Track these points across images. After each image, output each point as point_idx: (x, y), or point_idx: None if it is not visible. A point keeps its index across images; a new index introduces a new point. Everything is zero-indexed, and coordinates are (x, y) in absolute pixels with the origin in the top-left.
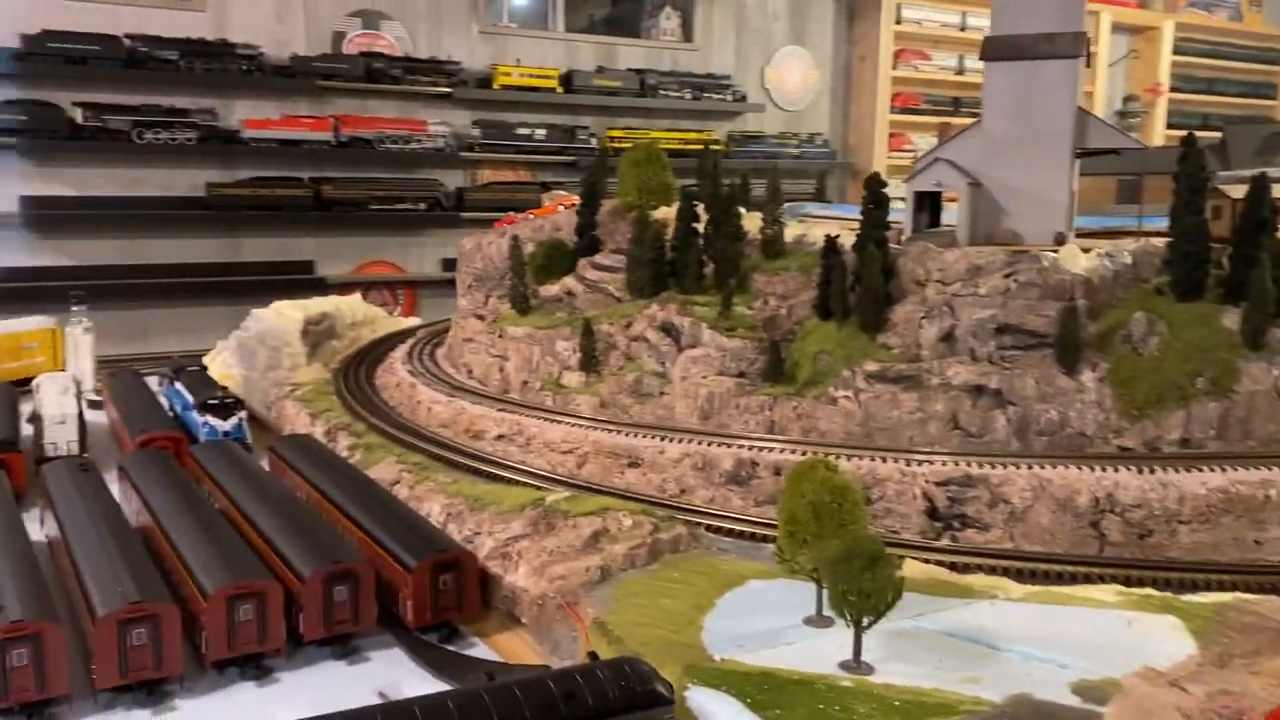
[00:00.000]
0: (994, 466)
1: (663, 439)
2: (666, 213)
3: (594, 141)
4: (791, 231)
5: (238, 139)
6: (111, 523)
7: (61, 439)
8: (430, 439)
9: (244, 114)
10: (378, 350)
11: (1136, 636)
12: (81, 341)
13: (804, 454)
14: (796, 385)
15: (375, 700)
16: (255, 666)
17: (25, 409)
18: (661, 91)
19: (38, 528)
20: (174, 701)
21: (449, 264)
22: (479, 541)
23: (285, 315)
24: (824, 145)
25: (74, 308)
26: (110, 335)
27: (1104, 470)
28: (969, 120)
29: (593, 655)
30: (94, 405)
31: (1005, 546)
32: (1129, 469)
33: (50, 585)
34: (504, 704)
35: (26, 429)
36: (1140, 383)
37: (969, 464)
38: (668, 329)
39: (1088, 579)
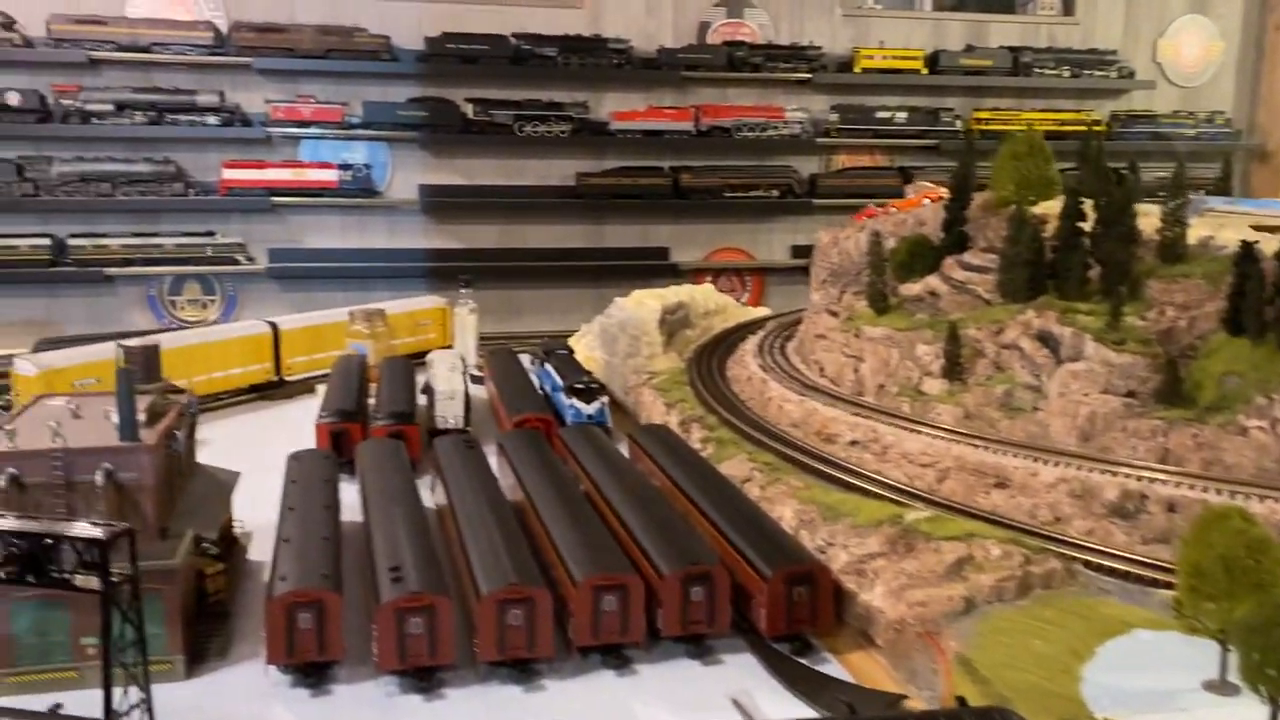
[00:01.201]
0: None
1: (1035, 460)
2: (1047, 209)
3: (958, 124)
4: (1194, 232)
5: (606, 130)
6: (491, 499)
7: (450, 413)
8: (782, 439)
9: (613, 106)
10: (729, 341)
11: None
12: (467, 321)
13: (1205, 490)
14: (1197, 410)
15: (728, 705)
16: (616, 656)
17: (418, 380)
18: (1036, 70)
19: (428, 494)
20: (542, 681)
21: (799, 251)
22: (832, 554)
23: (644, 304)
24: (1226, 125)
25: (461, 290)
26: (489, 312)
27: None
28: None
29: (961, 701)
30: (475, 380)
31: None
32: None
33: (440, 556)
34: None
35: (420, 399)
36: None
37: None
38: (1045, 338)
39: None
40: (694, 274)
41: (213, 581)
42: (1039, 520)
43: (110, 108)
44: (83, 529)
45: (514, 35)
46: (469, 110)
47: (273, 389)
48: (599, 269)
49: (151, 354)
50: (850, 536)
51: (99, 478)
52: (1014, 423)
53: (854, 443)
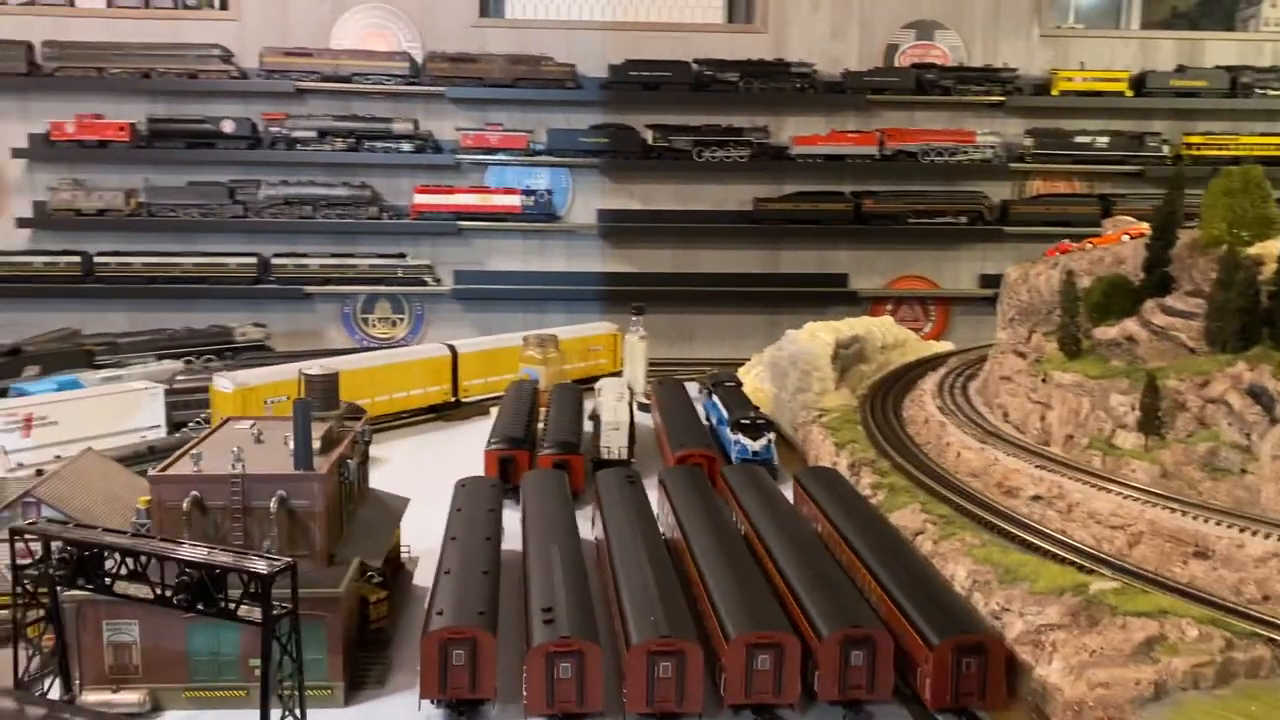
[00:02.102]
0: None
1: (1242, 530)
2: (1264, 250)
3: (1166, 149)
4: None
5: (785, 155)
6: (648, 540)
7: (615, 444)
8: (959, 489)
9: (794, 130)
10: (907, 378)
11: None
12: (636, 348)
13: None
14: None
15: None
16: (768, 715)
17: (587, 406)
18: (1258, 90)
19: (589, 526)
20: None
21: (987, 280)
22: (1007, 620)
23: (817, 338)
24: None
25: (633, 318)
26: (661, 336)
27: None
28: None
29: None
30: (643, 408)
31: None
32: None
33: (594, 596)
34: None
35: (587, 426)
36: None
37: None
38: (1257, 394)
39: None
40: (874, 302)
41: (375, 609)
42: (1244, 598)
43: (313, 134)
44: (249, 562)
45: (696, 61)
46: (649, 136)
47: (450, 410)
48: (774, 295)
49: (330, 382)
50: (1028, 603)
51: (273, 504)
52: (1218, 485)
53: (1037, 498)
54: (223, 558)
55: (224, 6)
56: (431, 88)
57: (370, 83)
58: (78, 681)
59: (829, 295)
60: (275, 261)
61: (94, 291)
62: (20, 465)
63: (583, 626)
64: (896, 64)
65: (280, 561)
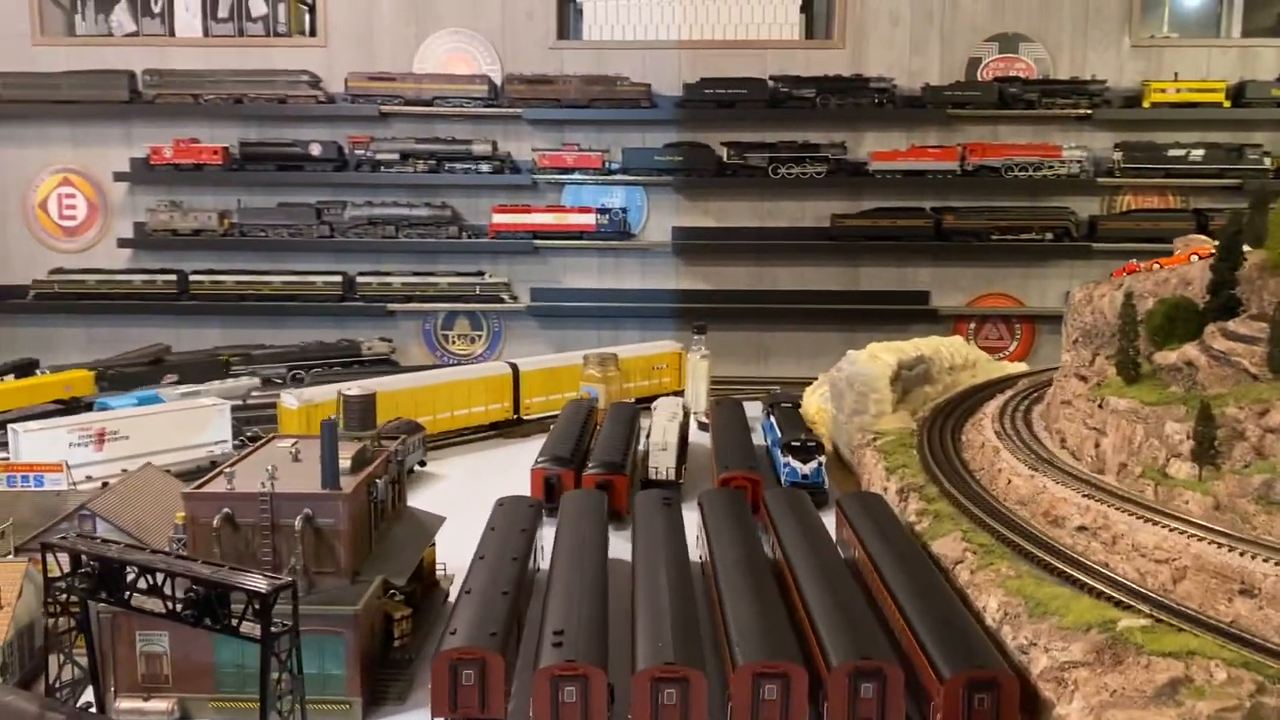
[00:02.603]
0: None
1: None
2: None
3: (1267, 161)
4: None
5: (863, 171)
6: (673, 564)
7: (662, 464)
8: (1002, 517)
9: (873, 145)
10: (972, 400)
11: None
12: (698, 368)
13: None
14: None
15: None
16: None
17: (644, 425)
18: None
19: (627, 547)
20: None
21: None
22: (1033, 655)
23: (877, 359)
24: None
25: (695, 336)
26: (736, 354)
27: None
28: None
29: None
30: (703, 427)
31: None
32: None
33: (608, 620)
34: None
35: (644, 445)
36: None
37: None
38: None
39: None
40: (956, 320)
41: (400, 626)
42: None
43: (396, 157)
44: (250, 581)
45: (771, 77)
46: (724, 154)
47: (511, 426)
48: (853, 313)
49: (368, 403)
50: (1055, 638)
51: (297, 522)
52: (1273, 519)
53: (1082, 528)
54: (228, 576)
55: (313, 33)
56: (509, 109)
57: (451, 105)
58: (112, 689)
59: (910, 313)
60: (360, 280)
61: (189, 309)
62: (89, 478)
63: (591, 650)
64: (979, 78)
65: (280, 580)
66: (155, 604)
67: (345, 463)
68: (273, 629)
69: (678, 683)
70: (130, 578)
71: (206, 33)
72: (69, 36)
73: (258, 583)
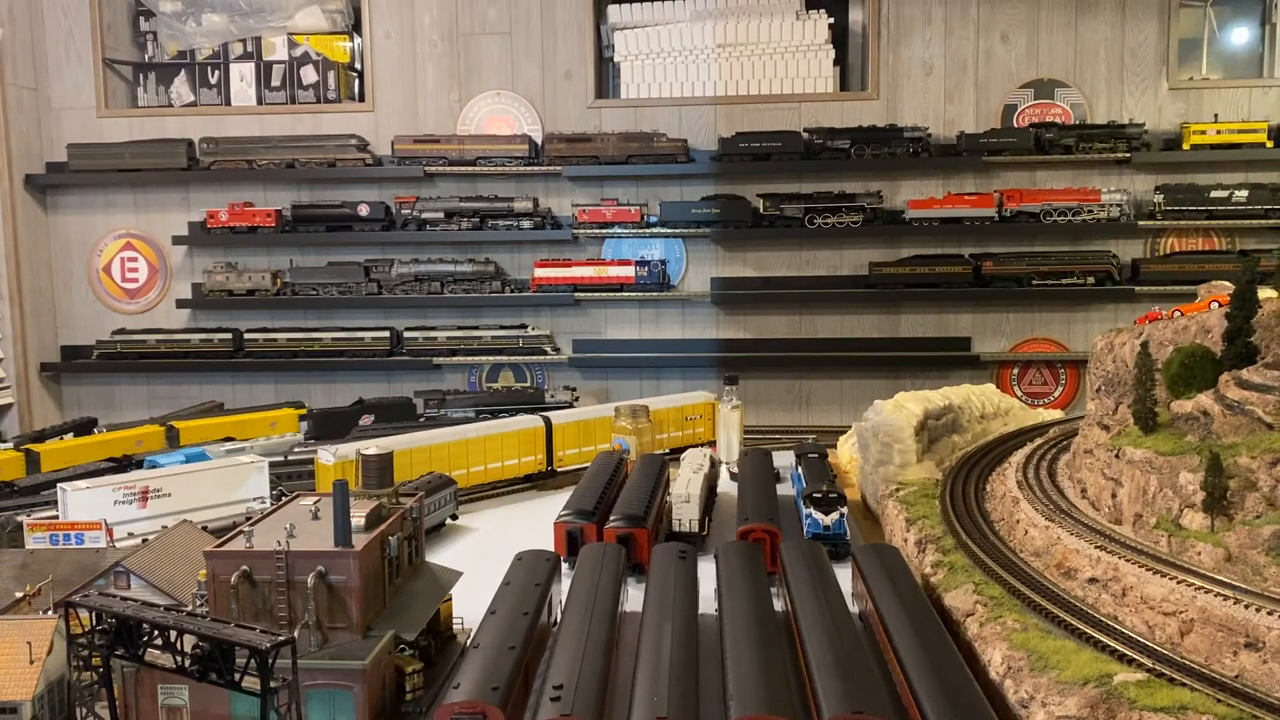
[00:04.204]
0: None
1: None
2: None
3: None
4: None
5: (900, 219)
6: (679, 617)
7: (686, 516)
8: (1014, 569)
9: (909, 193)
10: (1001, 449)
11: None
12: (730, 418)
13: None
14: None
15: None
16: None
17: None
18: None
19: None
20: None
21: None
22: (1031, 710)
23: (903, 408)
24: None
25: (726, 386)
26: (777, 401)
27: None
28: None
29: None
30: (734, 478)
31: None
32: None
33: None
34: None
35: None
36: None
37: None
38: None
39: None
40: (999, 365)
41: (411, 680)
42: None
43: (441, 215)
44: (249, 637)
45: (806, 130)
46: (760, 205)
47: (545, 479)
48: (893, 360)
49: (385, 462)
50: (1052, 693)
51: (310, 579)
52: None
53: (1093, 580)
54: (230, 632)
55: (361, 99)
56: (550, 167)
57: (493, 165)
58: None
59: (951, 359)
60: (407, 335)
61: (243, 365)
62: (130, 535)
63: (588, 704)
64: (1015, 124)
65: (280, 636)
66: (167, 659)
67: (360, 520)
68: (272, 684)
69: None
70: (145, 634)
71: (260, 101)
72: (131, 108)
73: (258, 639)
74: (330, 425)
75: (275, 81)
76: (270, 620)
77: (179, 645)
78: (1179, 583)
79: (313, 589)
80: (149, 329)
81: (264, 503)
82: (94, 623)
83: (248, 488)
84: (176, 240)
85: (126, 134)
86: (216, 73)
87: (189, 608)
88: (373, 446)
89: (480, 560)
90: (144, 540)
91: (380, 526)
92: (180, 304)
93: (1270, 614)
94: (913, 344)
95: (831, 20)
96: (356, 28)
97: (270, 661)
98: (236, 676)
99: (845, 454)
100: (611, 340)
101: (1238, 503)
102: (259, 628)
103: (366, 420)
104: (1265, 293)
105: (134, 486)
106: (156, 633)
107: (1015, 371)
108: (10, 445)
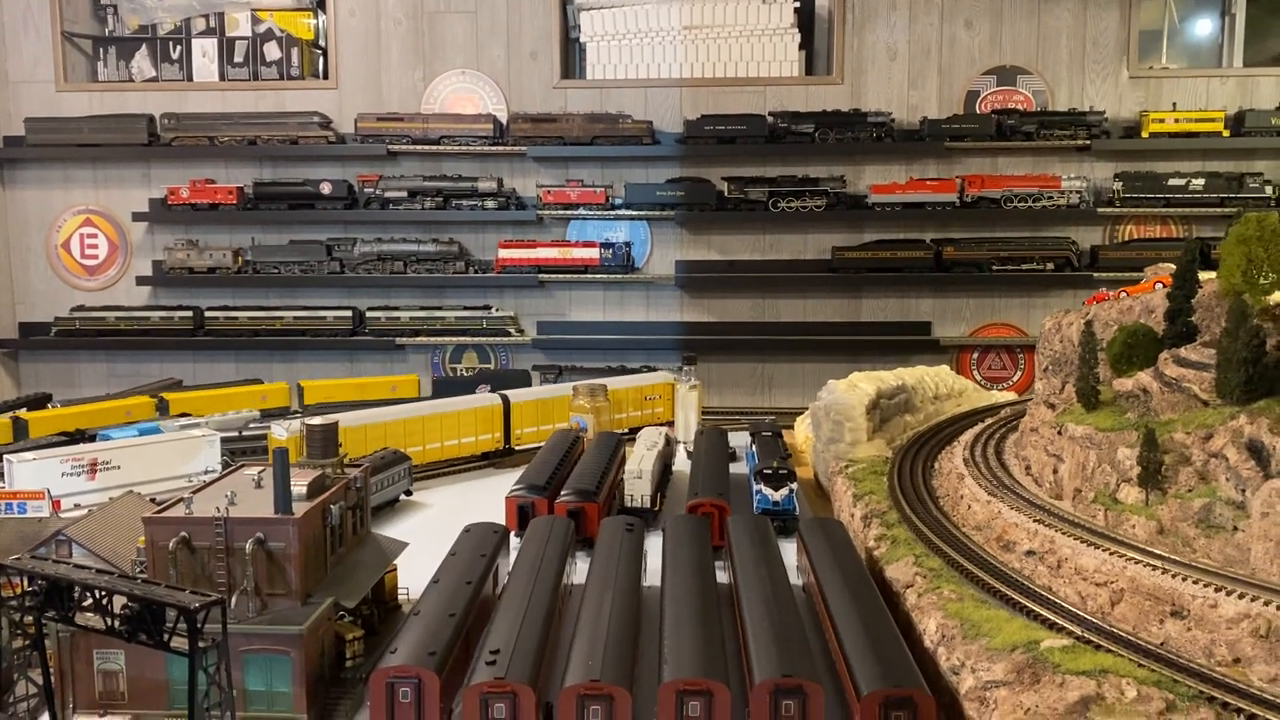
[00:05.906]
0: None
1: (1218, 590)
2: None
3: (1269, 190)
4: None
5: (863, 204)
6: (622, 586)
7: (638, 491)
8: (954, 542)
9: (872, 179)
10: (951, 429)
11: None
12: (687, 398)
13: None
14: None
15: None
16: None
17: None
18: None
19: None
20: None
21: None
22: (962, 676)
23: (856, 388)
24: None
25: (683, 367)
26: (739, 384)
27: None
28: None
29: None
30: (691, 456)
31: None
32: None
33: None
34: None
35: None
36: None
37: None
38: (1255, 449)
39: None
40: (959, 350)
41: (351, 647)
42: (1214, 660)
43: (404, 194)
44: (179, 598)
45: (771, 113)
46: (724, 188)
47: (503, 457)
48: (855, 344)
49: (329, 432)
50: (982, 659)
51: (248, 546)
52: (1211, 543)
53: (1030, 553)
54: (160, 593)
55: (325, 76)
56: (514, 147)
57: (457, 144)
58: (71, 707)
59: (912, 343)
60: (369, 314)
61: (204, 344)
62: (78, 506)
63: (524, 669)
64: (977, 110)
65: (209, 597)
66: (98, 621)
67: (301, 489)
68: (201, 644)
69: (602, 699)
70: (76, 595)
71: (223, 77)
72: (91, 82)
73: (187, 599)
74: (450, 393)
75: (238, 58)
76: (209, 587)
77: (110, 607)
78: (1111, 554)
79: (251, 555)
80: (109, 306)
81: (215, 475)
82: (25, 586)
83: (198, 460)
84: (137, 217)
85: (86, 109)
86: (178, 48)
87: (126, 573)
88: (318, 418)
89: (431, 535)
90: (90, 512)
91: (322, 495)
92: (140, 281)
93: (1195, 583)
94: (874, 328)
95: (797, 4)
96: (321, 4)
97: (200, 623)
98: (166, 637)
99: (801, 434)
100: (576, 322)
101: (1171, 477)
102: (193, 590)
103: (483, 389)
104: (1205, 274)
105: (82, 459)
106: (88, 594)
107: (975, 355)
108: None
